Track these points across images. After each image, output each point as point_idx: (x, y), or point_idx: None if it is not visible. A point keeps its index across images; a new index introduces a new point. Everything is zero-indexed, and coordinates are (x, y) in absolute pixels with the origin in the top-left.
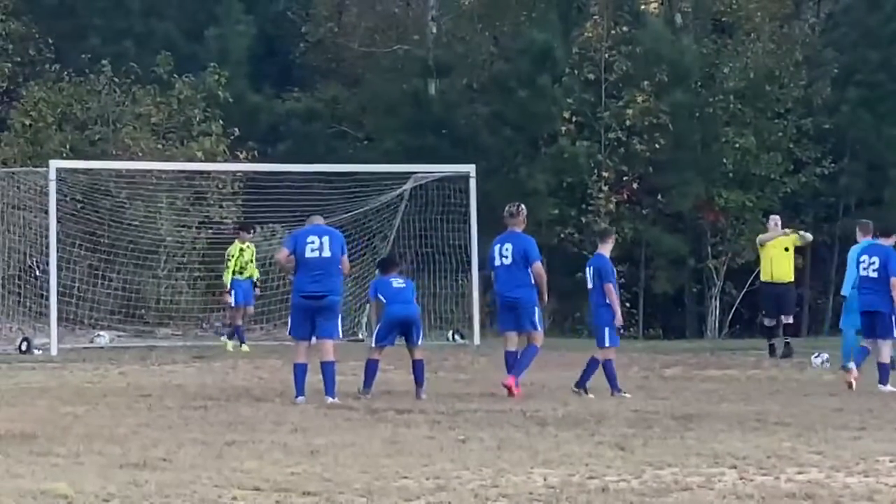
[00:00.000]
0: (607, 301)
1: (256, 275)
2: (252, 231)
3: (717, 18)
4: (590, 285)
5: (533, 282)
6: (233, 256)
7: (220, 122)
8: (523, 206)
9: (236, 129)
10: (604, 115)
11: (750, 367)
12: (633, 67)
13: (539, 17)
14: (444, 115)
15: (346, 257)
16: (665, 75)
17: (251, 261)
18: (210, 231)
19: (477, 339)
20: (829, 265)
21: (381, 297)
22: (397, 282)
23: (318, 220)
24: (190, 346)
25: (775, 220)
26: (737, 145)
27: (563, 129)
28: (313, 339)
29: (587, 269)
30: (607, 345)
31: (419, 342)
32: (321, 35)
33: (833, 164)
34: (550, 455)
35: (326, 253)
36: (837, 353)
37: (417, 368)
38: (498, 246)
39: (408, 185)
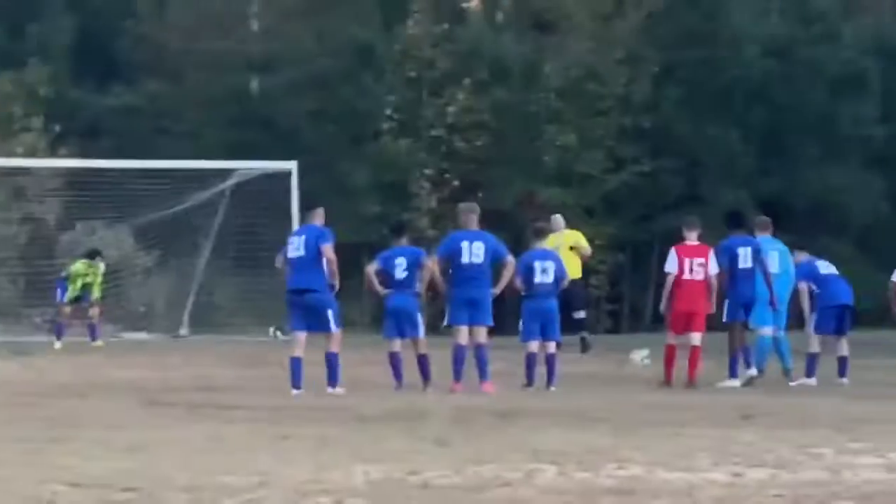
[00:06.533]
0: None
1: (96, 295)
2: (99, 258)
3: (539, 16)
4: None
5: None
6: (79, 275)
7: (42, 118)
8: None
9: (57, 126)
10: (425, 113)
11: (569, 364)
12: (454, 65)
13: (362, 14)
14: (266, 112)
15: (326, 246)
16: (486, 73)
17: (93, 283)
18: (31, 227)
19: None
20: (649, 262)
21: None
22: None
23: (314, 218)
24: (10, 343)
25: (557, 218)
26: (558, 143)
27: (385, 126)
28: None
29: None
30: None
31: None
32: (144, 30)
33: (653, 162)
34: (371, 451)
35: (301, 252)
36: (658, 348)
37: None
38: (466, 243)
39: (230, 182)
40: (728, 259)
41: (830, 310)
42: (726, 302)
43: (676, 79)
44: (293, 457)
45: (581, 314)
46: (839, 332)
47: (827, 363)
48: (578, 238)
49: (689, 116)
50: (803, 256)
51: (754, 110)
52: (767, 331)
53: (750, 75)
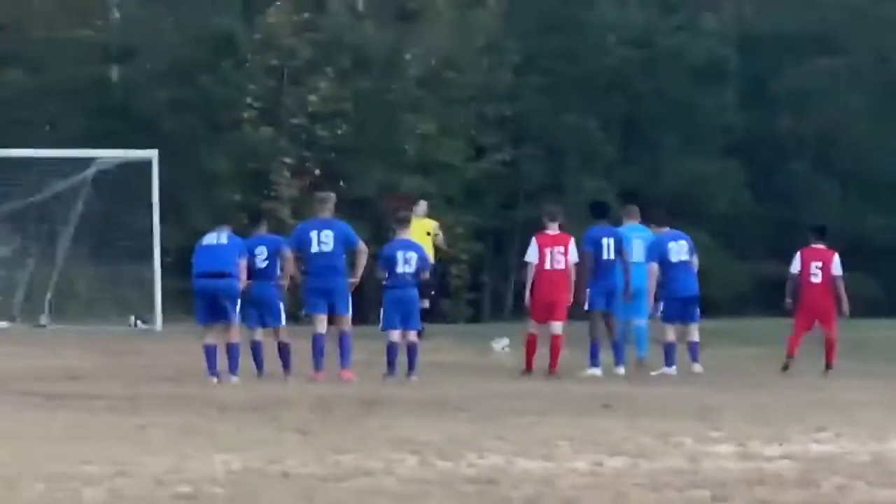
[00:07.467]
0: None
1: None
2: None
3: (400, 5)
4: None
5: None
6: None
7: None
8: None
9: None
10: (287, 102)
11: (430, 353)
12: (316, 54)
13: (222, 2)
14: (127, 101)
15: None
16: (348, 62)
17: None
18: None
19: (159, 325)
20: (510, 251)
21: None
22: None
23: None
24: None
25: (423, 205)
26: (419, 131)
27: (246, 114)
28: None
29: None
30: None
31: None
32: (2, 18)
33: (514, 151)
34: (232, 440)
35: (329, 247)
36: (519, 337)
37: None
38: (315, 232)
39: (90, 170)
40: (592, 249)
41: (676, 301)
42: (588, 291)
43: (537, 67)
44: (153, 446)
45: (426, 303)
46: (687, 320)
47: (684, 351)
48: (437, 227)
49: (550, 105)
50: (662, 230)
51: (614, 99)
52: (642, 321)
53: (610, 64)
